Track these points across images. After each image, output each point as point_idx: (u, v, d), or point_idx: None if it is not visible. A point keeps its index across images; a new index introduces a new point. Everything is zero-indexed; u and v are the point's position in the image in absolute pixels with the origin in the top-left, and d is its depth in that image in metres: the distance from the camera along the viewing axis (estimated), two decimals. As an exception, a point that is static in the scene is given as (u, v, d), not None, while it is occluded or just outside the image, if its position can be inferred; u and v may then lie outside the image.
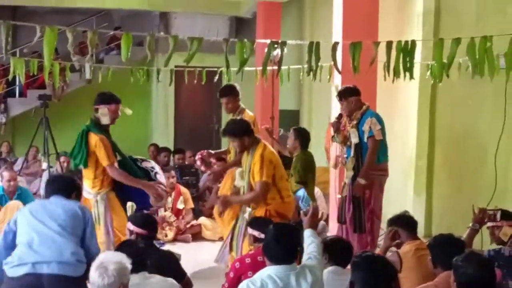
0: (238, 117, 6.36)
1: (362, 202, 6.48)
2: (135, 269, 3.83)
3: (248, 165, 5.61)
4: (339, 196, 6.72)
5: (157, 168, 6.19)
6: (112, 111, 5.86)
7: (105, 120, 5.84)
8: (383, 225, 8.25)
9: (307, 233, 4.13)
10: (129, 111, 6.10)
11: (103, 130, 5.89)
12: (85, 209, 4.67)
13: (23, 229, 4.38)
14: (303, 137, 6.94)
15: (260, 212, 5.54)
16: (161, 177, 6.11)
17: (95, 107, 5.88)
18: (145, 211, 6.06)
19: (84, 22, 13.52)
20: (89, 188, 5.89)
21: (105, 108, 5.83)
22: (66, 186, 4.70)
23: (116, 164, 5.80)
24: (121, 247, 4.19)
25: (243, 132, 5.63)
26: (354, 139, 6.45)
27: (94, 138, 5.74)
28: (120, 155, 5.99)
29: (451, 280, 3.43)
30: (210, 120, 14.79)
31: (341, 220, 6.69)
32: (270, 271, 3.67)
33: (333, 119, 7.15)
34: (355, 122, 6.49)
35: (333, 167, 7.31)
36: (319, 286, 3.76)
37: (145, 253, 4.18)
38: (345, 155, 6.64)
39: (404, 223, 4.99)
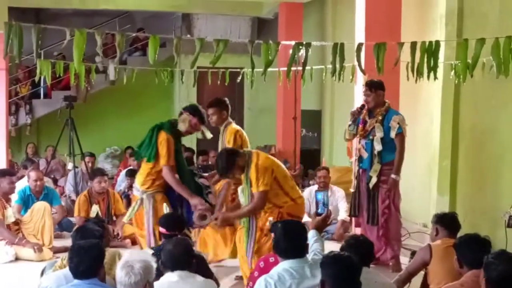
0: (223, 129, 6.57)
1: (376, 196, 6.57)
2: (179, 267, 3.94)
3: (247, 179, 5.57)
4: (352, 190, 6.85)
5: (212, 190, 6.26)
6: (191, 124, 6.05)
7: (181, 126, 6.04)
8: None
9: (312, 233, 4.35)
10: (209, 135, 6.23)
11: (175, 134, 6.03)
12: None
13: None
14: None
15: (273, 215, 5.55)
16: (212, 199, 6.16)
17: (182, 111, 6.11)
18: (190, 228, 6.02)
19: (107, 24, 13.66)
20: (138, 184, 6.02)
21: (188, 117, 6.03)
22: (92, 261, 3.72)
23: (172, 168, 5.90)
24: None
25: (231, 164, 5.54)
26: (379, 133, 6.50)
27: (163, 136, 5.90)
28: (180, 163, 6.08)
29: (480, 277, 3.47)
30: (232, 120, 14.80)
31: (354, 213, 6.89)
32: (286, 265, 3.85)
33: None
34: (380, 117, 6.53)
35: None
36: None
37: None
38: (364, 148, 6.67)
39: (447, 223, 4.98)
